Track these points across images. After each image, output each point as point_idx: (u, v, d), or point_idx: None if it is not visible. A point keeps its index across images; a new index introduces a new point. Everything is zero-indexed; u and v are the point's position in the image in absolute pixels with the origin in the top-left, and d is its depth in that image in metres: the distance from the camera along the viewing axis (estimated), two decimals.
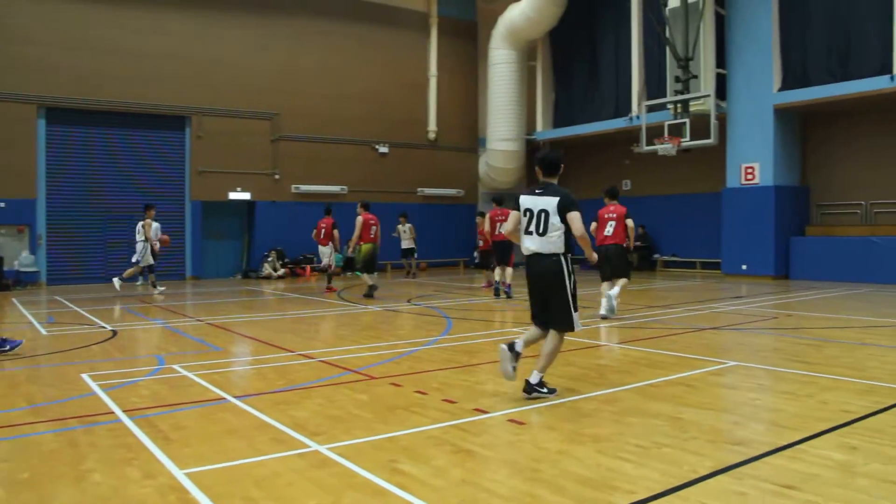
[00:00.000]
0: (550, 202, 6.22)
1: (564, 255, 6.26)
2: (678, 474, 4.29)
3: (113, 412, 5.93)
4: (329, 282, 18.50)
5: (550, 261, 6.25)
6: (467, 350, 9.00)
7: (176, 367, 7.86)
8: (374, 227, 16.03)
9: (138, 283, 19.67)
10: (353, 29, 25.28)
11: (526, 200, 6.41)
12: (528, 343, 6.46)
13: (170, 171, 22.53)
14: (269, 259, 22.99)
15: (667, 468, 4.40)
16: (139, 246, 17.38)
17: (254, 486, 4.20)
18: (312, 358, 8.42)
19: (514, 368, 6.28)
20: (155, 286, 17.71)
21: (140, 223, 17.49)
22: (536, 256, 6.33)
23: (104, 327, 11.36)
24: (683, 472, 4.32)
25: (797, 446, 4.80)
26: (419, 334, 10.33)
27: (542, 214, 6.24)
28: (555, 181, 6.53)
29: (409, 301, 15.07)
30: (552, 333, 6.36)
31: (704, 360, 8.03)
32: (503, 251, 15.37)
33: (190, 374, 7.44)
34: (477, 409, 5.88)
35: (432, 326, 11.15)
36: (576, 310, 6.29)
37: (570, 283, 6.26)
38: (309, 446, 4.93)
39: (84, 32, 20.92)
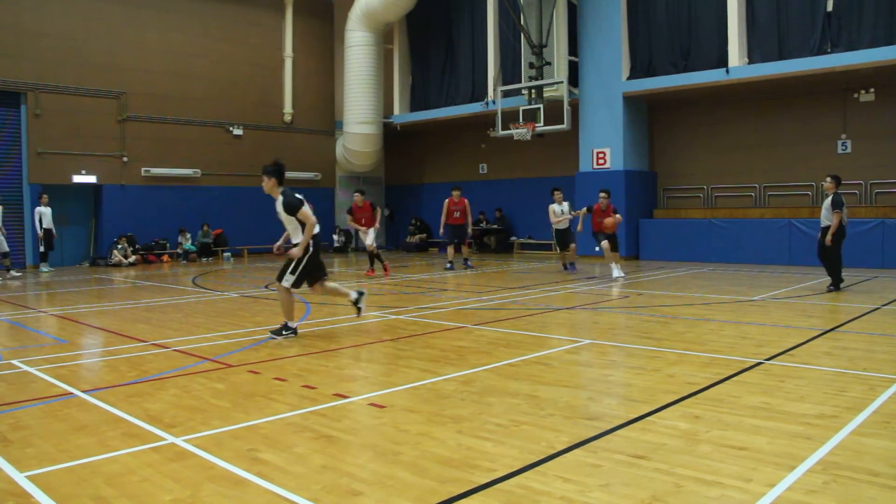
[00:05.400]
0: None
1: None
2: (536, 450, 4.43)
3: None
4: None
5: None
6: (326, 335, 8.95)
7: (15, 362, 7.41)
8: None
9: None
10: (199, 4, 24.36)
11: None
12: None
13: (4, 151, 20.97)
14: (120, 246, 21.96)
15: (525, 445, 4.53)
16: None
17: (105, 484, 4.02)
18: (166, 347, 8.14)
19: None
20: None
21: None
22: None
23: None
24: (541, 448, 4.46)
25: (646, 418, 5.06)
26: (277, 320, 10.12)
27: None
28: None
29: (266, 287, 14.79)
30: None
31: (560, 339, 8.31)
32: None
33: (31, 370, 7.02)
34: (337, 395, 5.86)
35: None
36: None
37: None
38: (164, 439, 4.77)
39: None
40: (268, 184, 8.38)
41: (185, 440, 4.73)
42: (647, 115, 21.52)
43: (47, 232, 19.82)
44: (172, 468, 4.24)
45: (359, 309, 9.28)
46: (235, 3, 25.19)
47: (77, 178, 21.99)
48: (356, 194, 17.24)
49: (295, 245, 8.47)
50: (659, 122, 21.81)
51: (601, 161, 20.75)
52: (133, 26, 22.87)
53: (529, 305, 11.34)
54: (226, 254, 24.01)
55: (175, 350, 7.97)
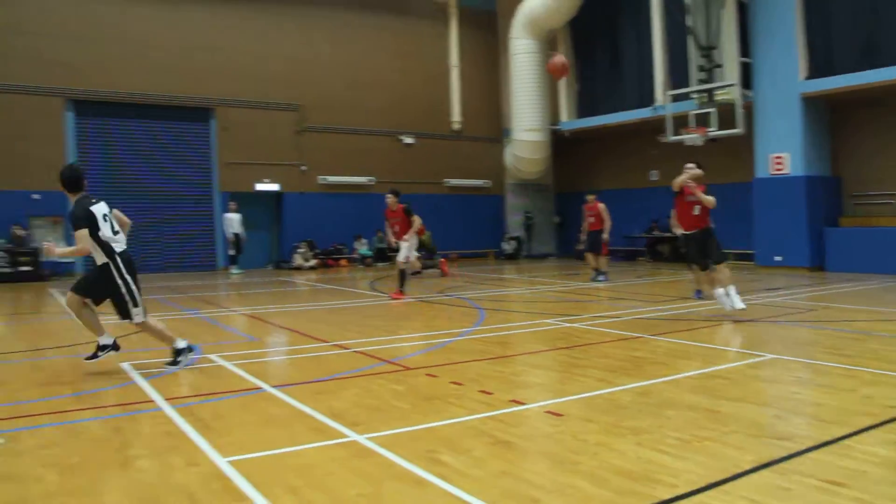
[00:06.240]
0: None
1: None
2: (720, 468, 4.25)
3: (153, 401, 6.02)
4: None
5: None
6: (501, 341, 9.01)
7: (212, 356, 7.96)
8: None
9: None
10: (369, 19, 25.41)
11: None
12: None
13: (198, 162, 22.74)
14: (300, 250, 23.14)
15: (708, 462, 4.36)
16: None
17: (295, 474, 4.24)
18: (347, 348, 8.46)
19: None
20: None
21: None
22: None
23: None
24: (725, 466, 4.27)
25: (841, 442, 4.72)
26: (452, 325, 10.34)
27: None
28: None
29: (440, 292, 15.08)
30: None
31: (741, 353, 7.96)
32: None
33: (227, 364, 7.52)
34: (514, 401, 5.88)
35: (465, 317, 11.15)
36: None
37: None
38: (348, 436, 4.96)
39: (109, 26, 21.25)
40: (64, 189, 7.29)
41: (367, 438, 4.89)
42: (828, 116, 20.20)
43: (237, 236, 21.16)
44: (356, 464, 4.40)
45: (177, 363, 7.39)
46: (403, 17, 26.07)
47: (260, 187, 23.43)
48: (388, 195, 14.77)
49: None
50: (842, 123, 20.42)
51: (779, 166, 19.70)
52: (310, 42, 24.20)
53: (707, 316, 10.92)
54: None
55: (355, 351, 8.27)
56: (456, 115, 27.10)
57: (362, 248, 24.38)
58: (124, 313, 7.16)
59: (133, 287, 7.12)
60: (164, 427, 5.26)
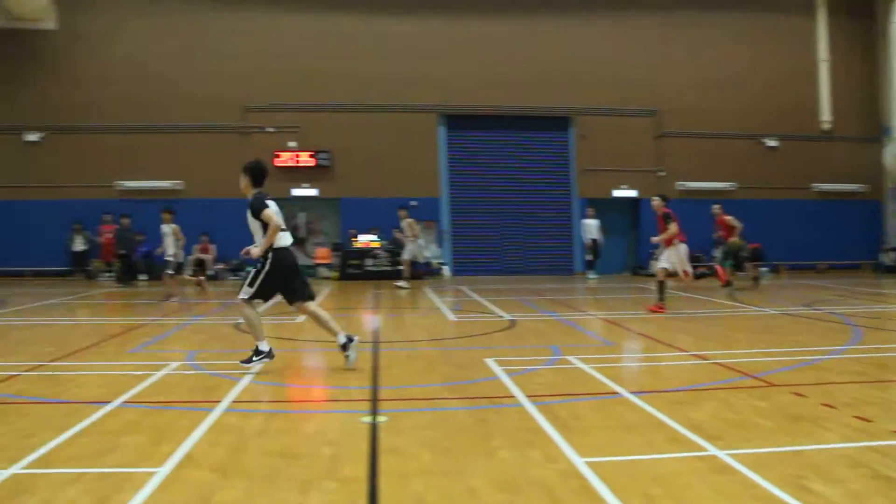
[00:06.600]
0: None
1: None
2: None
3: (515, 396, 6.33)
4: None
5: None
6: (881, 363, 8.11)
7: (570, 358, 8.15)
8: None
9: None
10: (725, 19, 24.43)
11: None
12: None
13: (557, 169, 23.65)
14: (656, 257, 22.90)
15: None
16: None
17: (652, 483, 4.20)
18: (706, 359, 8.19)
19: None
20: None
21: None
22: None
23: (502, 317, 12.18)
24: None
25: None
26: (822, 342, 9.52)
27: None
28: None
29: (806, 305, 14.01)
30: None
31: None
32: None
33: (584, 367, 7.66)
34: None
35: (836, 335, 10.21)
36: None
37: None
38: (706, 450, 4.80)
39: (471, 44, 23.03)
40: (242, 182, 7.45)
41: (728, 454, 4.69)
42: None
43: (594, 242, 21.54)
44: (716, 480, 4.25)
45: (347, 357, 7.42)
46: (761, 13, 24.65)
47: (616, 193, 23.63)
48: (654, 198, 13.82)
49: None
50: None
51: None
52: (666, 46, 23.94)
53: None
54: (763, 269, 23.37)
55: (714, 363, 7.98)
56: (825, 114, 24.94)
57: (720, 256, 23.47)
58: (241, 286, 7.48)
59: (262, 278, 7.28)
60: (524, 422, 5.52)
